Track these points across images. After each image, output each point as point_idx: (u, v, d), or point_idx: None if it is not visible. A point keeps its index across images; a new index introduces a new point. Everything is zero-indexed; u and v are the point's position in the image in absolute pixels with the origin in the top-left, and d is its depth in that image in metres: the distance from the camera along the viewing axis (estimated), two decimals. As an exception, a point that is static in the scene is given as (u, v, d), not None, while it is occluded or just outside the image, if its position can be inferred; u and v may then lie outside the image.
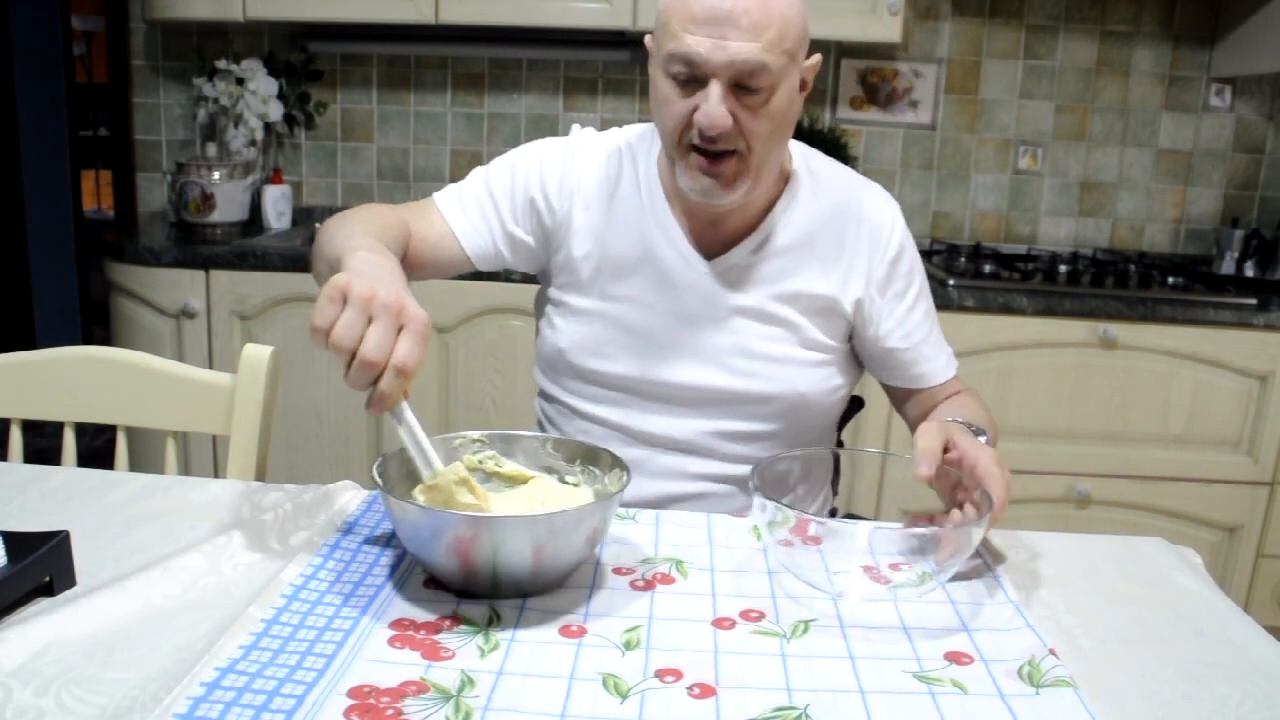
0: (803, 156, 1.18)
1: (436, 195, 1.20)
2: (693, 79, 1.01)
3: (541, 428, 1.25)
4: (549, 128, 2.73)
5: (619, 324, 1.15)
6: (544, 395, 1.24)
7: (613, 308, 1.15)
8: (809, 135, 2.55)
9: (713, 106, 1.00)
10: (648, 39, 1.09)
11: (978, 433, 1.02)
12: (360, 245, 0.91)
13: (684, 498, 1.15)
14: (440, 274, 1.19)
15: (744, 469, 1.13)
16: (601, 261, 1.15)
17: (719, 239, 1.14)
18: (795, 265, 1.14)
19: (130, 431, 1.21)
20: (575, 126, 1.22)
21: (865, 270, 1.15)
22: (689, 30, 0.99)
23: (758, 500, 0.85)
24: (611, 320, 1.15)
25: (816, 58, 1.08)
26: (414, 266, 1.13)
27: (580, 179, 1.17)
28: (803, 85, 1.07)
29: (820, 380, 1.16)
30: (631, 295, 1.15)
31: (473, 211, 1.18)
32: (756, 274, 1.14)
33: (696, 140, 1.03)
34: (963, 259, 2.47)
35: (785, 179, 1.15)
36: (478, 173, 1.21)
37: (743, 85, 1.00)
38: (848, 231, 1.15)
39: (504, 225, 1.18)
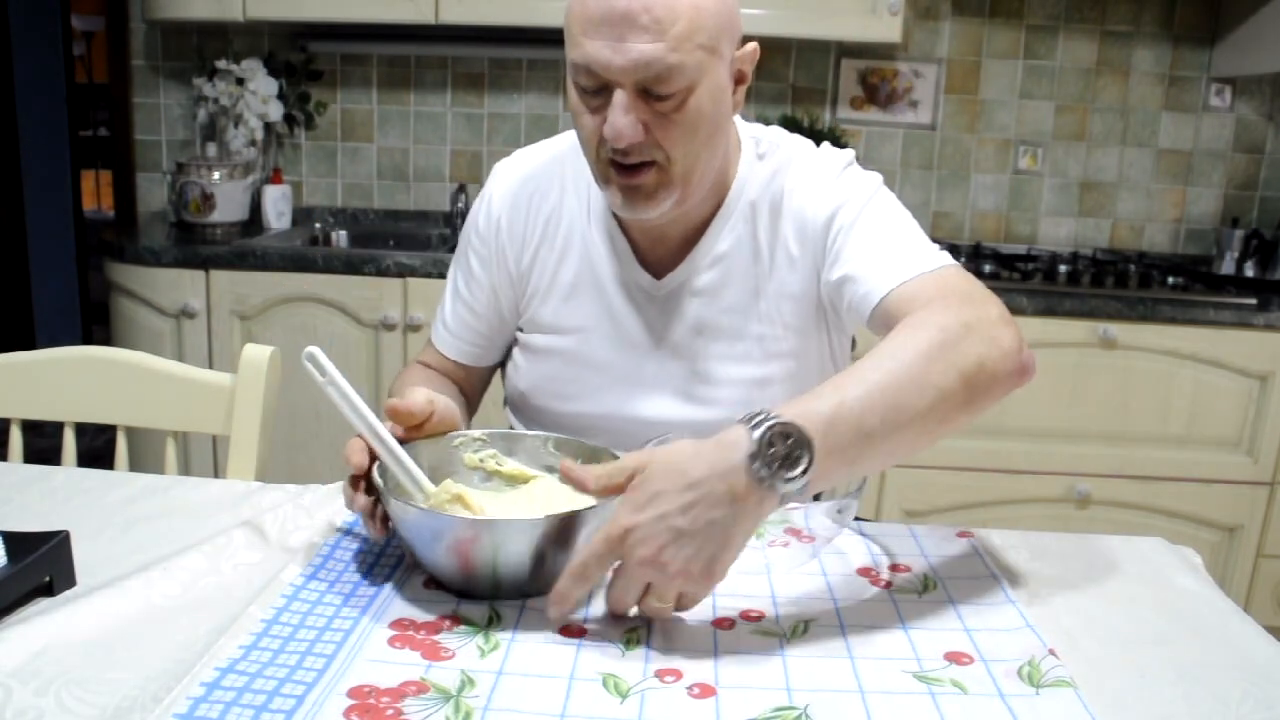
0: (753, 141, 1.08)
1: (432, 335, 1.20)
2: (600, 88, 0.91)
3: None
4: (549, 127, 2.73)
5: (575, 360, 1.09)
6: None
7: (565, 341, 1.09)
8: (809, 135, 2.54)
9: (617, 117, 0.90)
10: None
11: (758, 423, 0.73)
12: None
13: None
14: (480, 391, 1.22)
15: None
16: (549, 289, 1.10)
17: (668, 253, 1.06)
18: (746, 270, 1.05)
19: (130, 431, 1.21)
20: (498, 167, 1.15)
21: (813, 252, 1.04)
22: (588, 35, 0.89)
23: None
24: (567, 356, 1.09)
25: (752, 46, 0.98)
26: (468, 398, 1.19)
27: (510, 216, 1.11)
28: (740, 78, 0.97)
29: (793, 394, 0.92)
30: (583, 325, 1.08)
31: (455, 325, 1.16)
32: (708, 286, 1.06)
33: (608, 154, 0.94)
34: (963, 259, 2.46)
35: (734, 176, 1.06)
36: (448, 282, 1.18)
37: (651, 91, 0.90)
38: (783, 226, 1.05)
39: (489, 315, 1.15)
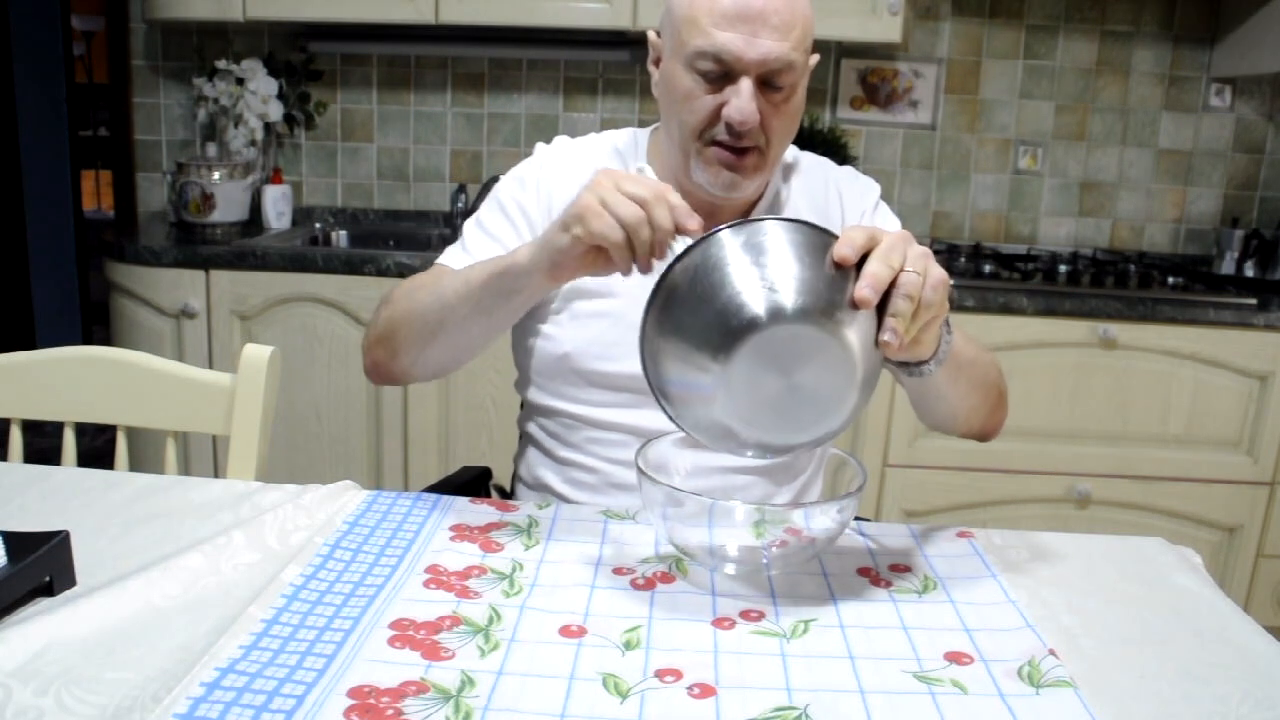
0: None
1: (441, 259, 1.18)
2: (721, 75, 1.02)
3: (540, 449, 1.21)
4: (549, 127, 2.73)
5: (619, 321, 1.12)
6: (541, 411, 1.20)
7: (611, 304, 1.13)
8: (809, 135, 2.55)
9: (745, 102, 1.01)
10: (653, 35, 1.11)
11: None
12: (488, 260, 0.99)
13: (706, 493, 1.13)
14: None
15: (761, 459, 1.12)
16: None
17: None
18: None
19: (130, 431, 1.21)
20: (540, 145, 1.21)
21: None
22: (720, 27, 1.00)
23: (645, 483, 0.85)
24: (611, 319, 1.13)
25: (815, 58, 1.09)
26: None
27: (565, 189, 1.14)
28: None
29: None
30: (630, 288, 1.10)
31: (480, 254, 1.14)
32: None
33: (722, 136, 1.04)
34: (963, 259, 2.46)
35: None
36: (470, 225, 1.19)
37: (769, 82, 1.02)
38: (830, 205, 1.18)
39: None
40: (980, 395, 1.07)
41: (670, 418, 0.82)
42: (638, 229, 0.82)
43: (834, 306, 0.77)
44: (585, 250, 0.86)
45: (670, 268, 0.80)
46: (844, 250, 0.78)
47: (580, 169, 1.16)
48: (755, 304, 0.76)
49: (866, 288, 0.77)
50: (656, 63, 1.11)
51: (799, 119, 1.09)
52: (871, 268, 0.77)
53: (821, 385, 0.78)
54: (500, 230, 1.15)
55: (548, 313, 1.18)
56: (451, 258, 1.16)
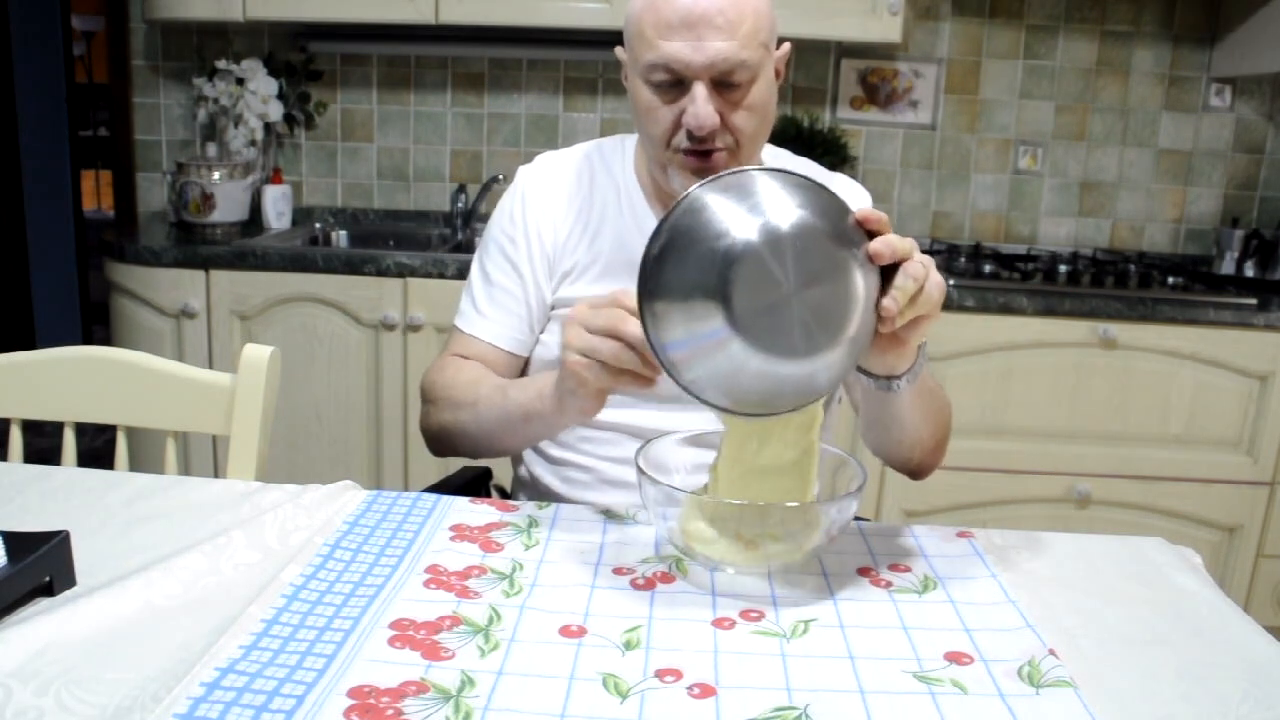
0: (773, 154, 1.21)
1: (459, 323, 1.21)
2: (675, 83, 1.02)
3: (534, 449, 1.22)
4: (549, 128, 2.73)
5: None
6: None
7: None
8: (809, 135, 2.55)
9: (699, 107, 1.01)
10: (619, 50, 1.11)
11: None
12: (514, 382, 1.07)
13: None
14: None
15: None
16: (583, 270, 1.16)
17: None
18: None
19: (130, 431, 1.21)
20: (521, 169, 1.22)
21: None
22: (665, 37, 1.00)
23: (644, 483, 0.86)
24: None
25: (786, 46, 1.09)
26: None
27: (551, 208, 1.17)
28: (776, 74, 1.08)
29: None
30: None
31: (494, 312, 1.18)
32: None
33: (686, 144, 1.04)
34: (963, 259, 2.47)
35: None
36: (476, 277, 1.21)
37: (724, 83, 1.01)
38: None
39: (529, 301, 1.17)
40: (930, 429, 1.08)
41: (674, 377, 0.80)
42: (620, 357, 0.85)
43: (848, 241, 0.79)
44: (596, 396, 0.90)
45: (652, 239, 0.79)
46: (865, 212, 0.80)
47: (564, 187, 1.18)
48: (747, 228, 0.77)
49: (883, 245, 0.79)
50: (626, 77, 1.12)
51: (770, 111, 1.07)
52: (889, 237, 0.80)
53: (826, 302, 0.78)
54: (506, 279, 1.18)
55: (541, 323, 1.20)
56: (469, 323, 1.19)
